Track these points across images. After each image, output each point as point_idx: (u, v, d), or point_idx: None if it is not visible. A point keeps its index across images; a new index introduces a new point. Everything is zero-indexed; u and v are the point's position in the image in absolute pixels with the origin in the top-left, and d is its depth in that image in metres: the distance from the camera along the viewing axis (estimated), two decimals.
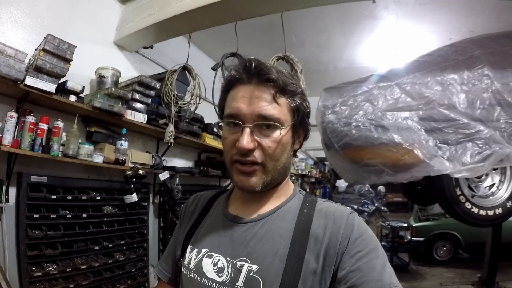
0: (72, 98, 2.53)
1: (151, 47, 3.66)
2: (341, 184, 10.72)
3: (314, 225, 0.85)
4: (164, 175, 3.51)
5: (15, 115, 2.24)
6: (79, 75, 2.81)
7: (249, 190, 0.88)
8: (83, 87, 2.63)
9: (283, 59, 2.94)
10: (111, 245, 2.99)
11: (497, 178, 3.20)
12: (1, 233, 2.33)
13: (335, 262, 0.78)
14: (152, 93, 3.18)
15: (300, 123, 0.93)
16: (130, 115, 2.97)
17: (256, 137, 0.84)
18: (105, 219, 2.99)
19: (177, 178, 3.75)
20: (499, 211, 3.08)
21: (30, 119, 2.30)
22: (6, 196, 2.36)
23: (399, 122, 2.66)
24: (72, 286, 2.56)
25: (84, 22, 3.02)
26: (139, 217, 3.42)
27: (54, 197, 2.56)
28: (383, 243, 7.10)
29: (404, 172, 2.66)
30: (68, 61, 2.39)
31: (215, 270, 0.87)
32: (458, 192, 2.94)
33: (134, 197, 3.11)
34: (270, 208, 0.93)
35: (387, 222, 8.12)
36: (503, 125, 2.50)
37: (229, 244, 0.89)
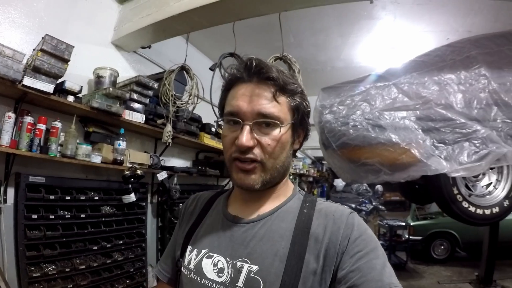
0: (70, 98, 2.53)
1: (149, 47, 3.66)
2: (339, 183, 10.74)
3: (314, 225, 0.85)
4: (162, 175, 3.51)
5: (13, 115, 2.24)
6: (77, 75, 2.81)
7: (248, 188, 0.87)
8: (81, 87, 2.63)
9: (281, 59, 2.94)
10: (110, 245, 2.99)
11: (494, 177, 3.21)
12: (0, 233, 2.33)
13: (335, 262, 0.78)
14: (150, 93, 3.18)
15: (300, 122, 0.93)
16: (128, 115, 2.98)
17: (255, 135, 0.84)
18: (103, 219, 2.99)
19: (175, 178, 3.75)
20: (496, 210, 3.09)
21: (28, 119, 2.30)
22: (4, 197, 2.36)
23: (396, 122, 2.67)
24: (71, 286, 2.57)
25: (82, 22, 3.02)
26: (137, 217, 3.42)
27: (52, 197, 2.56)
28: (381, 241, 7.08)
29: (401, 171, 2.67)
30: (66, 61, 2.40)
31: (215, 271, 0.86)
32: (455, 191, 2.94)
33: (132, 197, 3.11)
34: (269, 208, 0.93)
35: (385, 221, 8.16)
36: (500, 124, 2.51)
37: (229, 245, 0.89)
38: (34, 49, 2.39)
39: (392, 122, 2.67)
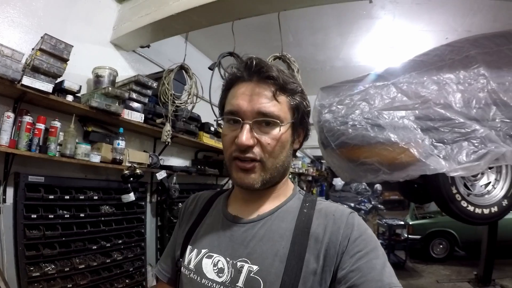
0: (69, 98, 2.52)
1: (148, 46, 3.65)
2: (338, 182, 10.71)
3: (314, 225, 0.85)
4: (161, 174, 3.51)
5: (12, 115, 2.24)
6: (76, 75, 2.80)
7: (248, 187, 0.87)
8: (80, 86, 2.63)
9: (280, 59, 2.94)
10: (109, 245, 2.99)
11: (492, 177, 3.22)
12: None
13: (335, 262, 0.78)
14: (149, 92, 3.18)
15: (300, 122, 0.93)
16: (127, 115, 2.97)
17: (255, 134, 0.84)
18: (102, 218, 2.99)
19: (174, 177, 3.75)
20: (494, 209, 3.10)
21: (27, 119, 2.30)
22: (4, 197, 2.36)
23: (395, 121, 2.67)
24: (70, 286, 2.57)
25: (81, 21, 3.01)
26: (136, 216, 3.42)
27: (51, 197, 2.56)
28: (380, 240, 7.09)
29: (400, 170, 2.67)
30: (65, 60, 2.39)
31: (215, 271, 0.86)
32: (454, 191, 2.95)
33: (131, 197, 3.11)
34: (269, 208, 0.93)
35: (384, 220, 8.17)
36: (499, 124, 2.51)
37: (229, 245, 0.89)
38: (33, 49, 2.39)
39: (391, 122, 2.67)
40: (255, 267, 0.82)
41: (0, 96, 2.35)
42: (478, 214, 3.04)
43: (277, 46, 2.93)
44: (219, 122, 0.95)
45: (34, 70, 2.23)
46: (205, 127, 4.24)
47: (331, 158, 3.28)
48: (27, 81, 2.17)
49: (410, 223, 7.75)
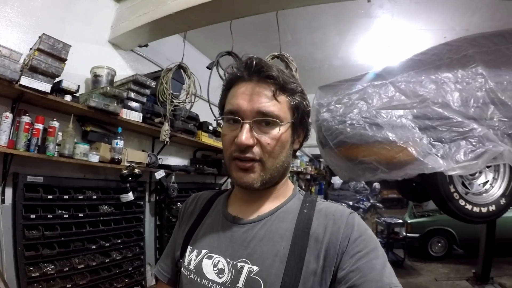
0: (67, 97, 2.52)
1: (146, 45, 3.64)
2: (337, 181, 10.71)
3: (314, 225, 0.84)
4: (159, 174, 3.51)
5: (10, 115, 2.24)
6: (74, 74, 2.80)
7: (248, 186, 0.87)
8: (78, 86, 2.62)
9: (278, 58, 2.94)
10: (108, 244, 2.99)
11: (490, 176, 3.22)
12: None
13: (335, 262, 0.78)
14: (148, 91, 3.18)
15: (300, 122, 0.93)
16: (126, 114, 2.97)
17: (255, 133, 0.84)
18: (101, 218, 2.99)
19: (173, 177, 3.75)
20: (492, 208, 3.10)
21: (26, 119, 2.30)
22: (2, 197, 2.36)
23: (393, 120, 2.67)
24: (70, 286, 2.57)
25: (79, 21, 3.01)
26: (135, 216, 3.42)
27: (50, 197, 2.56)
28: (378, 239, 7.11)
29: (398, 169, 2.67)
30: (63, 60, 2.39)
31: (215, 271, 0.86)
32: (452, 189, 2.95)
33: (130, 196, 3.11)
34: (269, 208, 0.92)
35: (383, 218, 8.19)
36: (497, 123, 2.51)
37: (229, 245, 0.89)
38: (31, 49, 2.39)
39: (389, 121, 2.67)
40: (255, 268, 0.82)
41: None
42: (476, 212, 3.04)
43: (275, 45, 2.93)
44: (218, 122, 0.95)
45: (32, 70, 2.22)
46: (203, 126, 4.24)
47: (330, 157, 3.28)
48: (25, 81, 2.17)
49: (409, 221, 7.77)
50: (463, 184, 3.10)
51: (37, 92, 2.26)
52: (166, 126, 3.23)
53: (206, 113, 3.40)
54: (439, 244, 7.55)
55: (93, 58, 3.06)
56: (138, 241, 3.40)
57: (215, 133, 4.39)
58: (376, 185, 10.10)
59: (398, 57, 3.00)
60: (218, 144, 4.38)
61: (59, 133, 2.52)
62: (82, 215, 2.81)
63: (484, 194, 3.16)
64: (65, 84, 2.49)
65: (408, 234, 7.46)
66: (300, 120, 0.93)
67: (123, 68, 3.51)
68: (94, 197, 2.94)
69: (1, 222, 2.33)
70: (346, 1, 2.83)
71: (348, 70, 4.37)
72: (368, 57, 4.93)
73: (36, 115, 2.41)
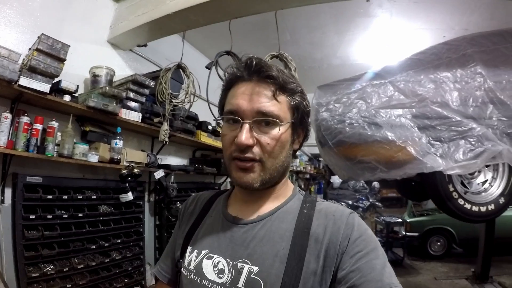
0: (67, 97, 2.52)
1: (145, 45, 3.65)
2: (336, 180, 10.73)
3: (314, 226, 0.84)
4: (159, 173, 3.51)
5: (9, 115, 2.24)
6: (73, 75, 2.80)
7: (247, 186, 0.87)
8: (77, 86, 2.62)
9: (277, 57, 2.94)
10: (108, 244, 2.99)
11: (489, 175, 3.22)
12: None
13: (335, 262, 0.78)
14: (147, 91, 3.18)
15: (300, 122, 0.93)
16: (125, 114, 2.97)
17: (255, 133, 0.84)
18: (101, 218, 2.99)
19: (172, 176, 3.75)
20: (491, 207, 3.11)
21: (25, 119, 2.30)
22: (2, 197, 2.36)
23: (392, 120, 2.67)
24: (70, 286, 2.57)
25: (77, 21, 3.01)
26: (134, 216, 3.42)
27: (50, 197, 2.56)
28: (378, 238, 7.12)
29: (397, 169, 2.68)
30: (62, 60, 2.39)
31: (216, 272, 0.86)
32: (451, 189, 2.96)
33: (129, 196, 3.11)
34: (269, 208, 0.92)
35: (382, 217, 8.20)
36: (496, 122, 2.52)
37: (229, 246, 0.89)
38: (30, 49, 2.38)
39: (388, 120, 2.68)
40: (255, 268, 0.82)
41: None
42: (475, 212, 3.05)
43: (274, 44, 2.93)
44: (218, 122, 0.94)
45: (31, 70, 2.22)
46: (202, 125, 4.24)
47: (329, 157, 3.28)
48: (24, 81, 2.17)
49: (408, 220, 7.77)
50: (462, 183, 3.10)
51: (36, 92, 2.26)
52: (165, 126, 3.23)
53: (205, 112, 3.40)
54: (439, 243, 7.55)
55: (92, 58, 3.06)
56: (137, 241, 3.39)
57: (214, 133, 4.39)
58: (376, 184, 10.12)
59: (397, 57, 3.00)
60: (217, 143, 4.38)
61: (58, 133, 2.52)
62: (81, 215, 2.81)
63: (483, 193, 3.17)
64: (64, 84, 2.49)
65: (407, 233, 7.47)
66: (300, 120, 0.93)
67: (122, 68, 3.50)
68: (94, 197, 2.94)
69: (0, 223, 2.33)
70: (345, 0, 2.83)
71: (347, 70, 4.36)
72: (367, 56, 4.93)
73: (35, 115, 2.41)
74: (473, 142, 2.45)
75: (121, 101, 2.96)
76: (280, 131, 0.86)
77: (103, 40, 3.34)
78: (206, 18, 2.91)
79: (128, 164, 3.05)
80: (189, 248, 0.97)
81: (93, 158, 2.73)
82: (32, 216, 2.44)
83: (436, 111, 2.56)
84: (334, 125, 2.96)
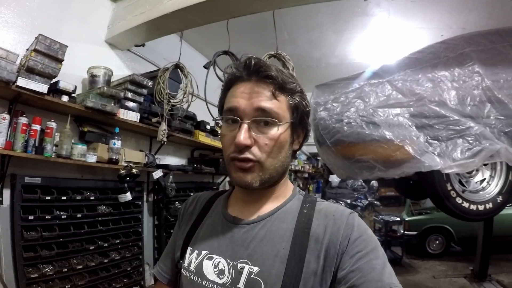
0: (65, 98, 2.52)
1: (143, 45, 3.64)
2: (334, 179, 10.74)
3: (314, 226, 0.84)
4: (157, 173, 3.51)
5: (7, 116, 2.24)
6: (71, 75, 2.79)
7: (247, 186, 0.87)
8: (75, 87, 2.62)
9: (275, 57, 2.94)
10: (106, 245, 3.00)
11: (487, 174, 3.23)
12: None
13: (335, 262, 0.78)
14: (145, 91, 3.18)
15: (300, 122, 0.92)
16: (123, 114, 2.97)
17: (253, 133, 0.84)
18: (99, 218, 2.99)
19: (171, 176, 3.75)
20: (489, 205, 3.12)
21: (23, 120, 2.29)
22: (1, 198, 2.36)
23: (390, 119, 2.68)
24: (69, 286, 2.57)
25: (75, 21, 3.00)
26: (133, 216, 3.42)
27: (48, 198, 2.56)
28: (376, 237, 7.15)
29: (395, 168, 2.68)
30: (59, 61, 2.39)
31: (216, 272, 0.86)
32: (449, 187, 2.96)
33: (128, 196, 3.11)
34: (269, 209, 0.92)
35: (380, 216, 8.19)
36: (493, 121, 2.53)
37: (229, 246, 0.89)
38: (27, 49, 2.38)
39: (386, 119, 2.68)
40: (255, 268, 0.82)
41: None
42: (473, 210, 3.06)
43: (272, 43, 2.94)
44: (217, 122, 0.94)
45: (29, 71, 2.22)
46: (200, 125, 4.24)
47: (327, 156, 3.28)
48: (22, 82, 2.17)
49: (406, 219, 7.77)
50: (460, 182, 3.11)
51: (34, 93, 2.26)
52: (164, 126, 3.23)
53: (203, 112, 3.39)
54: (437, 242, 7.55)
55: (90, 58, 3.06)
56: (136, 241, 3.40)
57: (213, 132, 4.40)
58: (374, 183, 10.11)
59: (395, 56, 3.01)
60: (215, 143, 4.39)
61: (56, 133, 2.51)
62: (80, 215, 2.81)
63: (481, 192, 3.18)
64: (62, 85, 2.49)
65: (405, 232, 7.47)
66: (300, 120, 0.92)
67: (120, 68, 3.50)
68: (92, 198, 2.94)
69: None
70: None
71: (345, 69, 4.37)
72: (365, 55, 4.94)
73: (33, 116, 2.41)
74: (471, 141, 2.46)
75: (119, 101, 2.96)
76: (279, 131, 0.85)
77: (101, 40, 3.34)
78: (204, 18, 2.91)
79: (126, 164, 3.04)
80: (189, 248, 0.97)
81: (92, 159, 2.73)
82: (31, 217, 2.44)
83: (434, 110, 2.56)
84: (332, 124, 2.96)
